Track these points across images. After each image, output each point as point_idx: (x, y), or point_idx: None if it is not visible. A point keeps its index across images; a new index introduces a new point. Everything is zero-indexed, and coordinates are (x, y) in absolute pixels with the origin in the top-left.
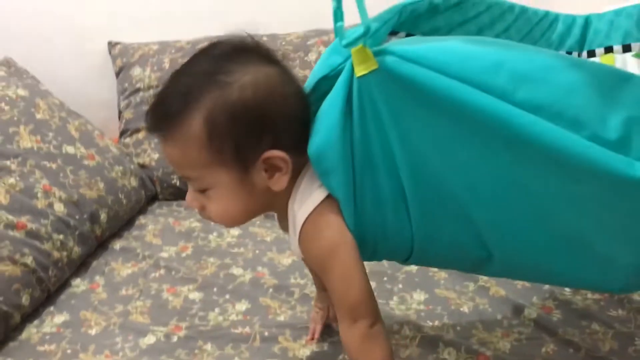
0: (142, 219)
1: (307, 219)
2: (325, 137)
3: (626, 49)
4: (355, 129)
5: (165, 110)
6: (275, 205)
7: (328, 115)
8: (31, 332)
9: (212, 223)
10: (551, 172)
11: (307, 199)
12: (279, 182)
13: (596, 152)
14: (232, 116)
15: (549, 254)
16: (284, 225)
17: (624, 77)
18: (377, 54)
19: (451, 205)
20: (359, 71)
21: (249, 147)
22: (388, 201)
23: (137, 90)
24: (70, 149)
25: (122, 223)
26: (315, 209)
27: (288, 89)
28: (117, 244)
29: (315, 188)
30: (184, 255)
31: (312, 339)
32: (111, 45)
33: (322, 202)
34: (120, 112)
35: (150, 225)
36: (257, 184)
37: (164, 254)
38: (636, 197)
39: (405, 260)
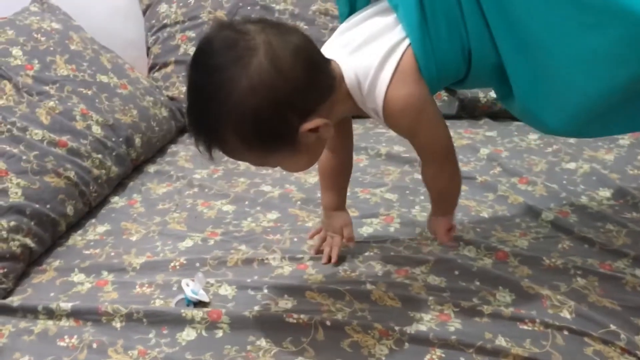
0: (173, 147)
1: (385, 100)
2: None
3: None
4: None
5: (203, 138)
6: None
7: None
8: (76, 239)
9: None
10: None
11: (376, 86)
12: (327, 132)
13: None
14: (253, 123)
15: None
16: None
17: None
18: None
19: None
20: None
21: (283, 133)
22: (458, 23)
23: (164, 26)
24: (103, 78)
25: (155, 150)
26: (388, 87)
27: (285, 61)
28: (152, 168)
29: (377, 76)
30: (215, 176)
31: (329, 261)
32: None
33: (391, 77)
34: (148, 49)
35: (182, 152)
36: (311, 142)
37: (197, 175)
38: None
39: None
